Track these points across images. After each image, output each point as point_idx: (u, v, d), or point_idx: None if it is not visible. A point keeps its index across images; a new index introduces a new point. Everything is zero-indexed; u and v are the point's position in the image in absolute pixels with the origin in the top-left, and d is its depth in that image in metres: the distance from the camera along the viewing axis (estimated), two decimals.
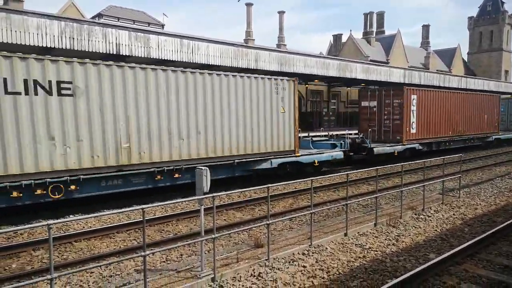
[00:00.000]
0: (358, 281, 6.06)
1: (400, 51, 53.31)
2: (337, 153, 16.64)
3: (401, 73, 32.37)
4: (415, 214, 9.87)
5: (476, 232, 8.52)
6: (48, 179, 9.17)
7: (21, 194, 8.93)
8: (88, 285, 6.11)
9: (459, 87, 36.64)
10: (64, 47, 16.24)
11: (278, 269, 6.46)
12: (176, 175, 11.42)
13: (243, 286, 5.88)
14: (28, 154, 8.94)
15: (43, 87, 9.07)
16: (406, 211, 9.80)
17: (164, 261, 7.08)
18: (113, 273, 6.54)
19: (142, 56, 19.05)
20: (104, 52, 17.61)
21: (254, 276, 6.21)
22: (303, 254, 7.13)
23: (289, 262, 6.74)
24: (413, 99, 20.20)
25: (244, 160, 13.26)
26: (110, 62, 10.49)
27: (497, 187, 13.51)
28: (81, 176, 9.65)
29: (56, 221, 4.76)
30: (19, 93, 8.78)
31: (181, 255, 7.40)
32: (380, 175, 14.69)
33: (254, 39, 35.20)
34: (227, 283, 5.95)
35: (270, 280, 6.05)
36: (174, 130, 11.35)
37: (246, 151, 13.30)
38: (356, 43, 51.09)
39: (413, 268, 6.35)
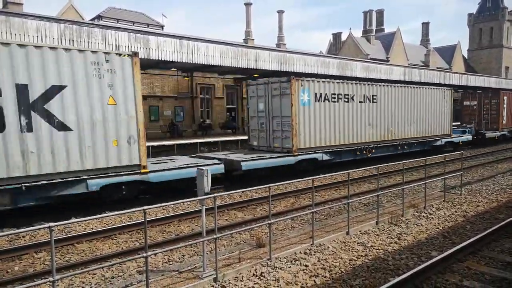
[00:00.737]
0: (360, 279, 6.06)
1: (400, 48, 53.28)
2: (468, 137, 25.06)
3: (401, 71, 32.33)
4: (417, 212, 9.86)
5: (478, 229, 8.51)
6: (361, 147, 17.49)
7: (358, 152, 17.38)
8: (91, 287, 6.12)
9: (460, 84, 36.60)
10: None
11: (280, 268, 6.46)
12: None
13: (245, 286, 5.88)
14: (357, 132, 17.24)
15: (368, 98, 17.63)
16: (407, 209, 9.79)
17: (166, 262, 7.08)
18: (115, 274, 6.55)
19: (142, 57, 19.03)
20: None
21: (256, 275, 6.21)
22: (305, 253, 7.13)
23: (291, 262, 6.74)
24: (505, 99, 29.07)
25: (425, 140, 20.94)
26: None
27: (499, 184, 13.49)
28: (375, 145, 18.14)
29: (57, 223, 4.76)
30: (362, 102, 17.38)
31: (183, 255, 7.41)
32: (381, 173, 14.68)
33: (253, 39, 35.19)
34: (229, 283, 5.95)
35: (272, 280, 6.05)
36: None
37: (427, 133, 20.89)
38: (356, 42, 51.07)
39: (415, 266, 6.35)
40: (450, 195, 11.51)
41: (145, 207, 5.28)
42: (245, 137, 18.64)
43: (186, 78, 28.76)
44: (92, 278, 6.42)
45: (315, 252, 7.18)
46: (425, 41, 62.70)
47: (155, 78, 27.34)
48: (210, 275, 6.00)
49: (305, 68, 25.64)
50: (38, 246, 7.76)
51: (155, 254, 6.96)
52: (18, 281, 6.33)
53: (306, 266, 6.57)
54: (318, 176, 8.48)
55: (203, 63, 21.08)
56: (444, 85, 33.29)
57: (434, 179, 12.78)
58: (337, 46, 54.41)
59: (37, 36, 15.39)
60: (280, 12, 40.03)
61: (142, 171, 10.78)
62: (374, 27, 55.40)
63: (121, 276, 6.48)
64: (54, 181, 9.36)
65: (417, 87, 20.63)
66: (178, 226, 9.31)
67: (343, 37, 54.06)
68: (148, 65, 23.30)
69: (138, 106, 10.60)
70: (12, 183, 8.82)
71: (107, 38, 17.30)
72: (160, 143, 21.16)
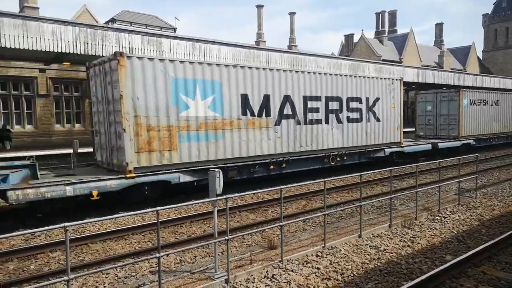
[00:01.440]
0: (373, 283, 6.01)
1: (413, 50, 52.70)
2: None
3: (414, 72, 32.00)
4: (431, 215, 9.73)
5: (494, 233, 8.35)
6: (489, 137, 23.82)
7: (488, 140, 24.03)
8: (104, 286, 6.19)
9: (475, 85, 36.03)
10: (78, 52, 16.53)
11: (292, 270, 6.44)
12: None
13: (257, 287, 5.88)
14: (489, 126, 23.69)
15: (494, 102, 24.53)
16: (421, 212, 9.67)
17: (178, 263, 7.13)
18: (129, 274, 6.61)
19: None
20: None
21: (268, 277, 6.20)
22: (317, 255, 7.10)
23: (303, 264, 6.71)
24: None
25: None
26: None
27: None
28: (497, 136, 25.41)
29: (72, 223, 4.84)
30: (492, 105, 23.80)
31: (195, 256, 7.44)
32: (394, 176, 14.53)
33: (265, 41, 35.25)
34: (240, 284, 5.96)
35: (284, 282, 6.03)
36: None
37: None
38: (368, 43, 50.70)
39: (429, 270, 6.26)
40: (465, 199, 11.33)
41: (157, 208, 5.33)
42: None
43: None
44: (106, 277, 6.49)
45: (327, 254, 7.14)
46: (438, 42, 61.88)
47: None
48: (222, 276, 6.01)
49: (317, 70, 25.57)
50: (53, 246, 7.89)
51: (167, 255, 7.01)
52: (34, 280, 6.44)
53: (318, 268, 6.54)
54: (330, 179, 8.43)
55: None
56: (462, 86, 32.85)
57: (449, 182, 12.59)
58: (349, 48, 54.08)
59: (53, 40, 15.67)
60: (292, 14, 40.02)
61: (402, 145, 18.84)
62: (386, 28, 54.90)
63: (134, 276, 6.55)
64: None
65: None
66: (190, 227, 9.36)
67: (355, 39, 53.73)
68: None
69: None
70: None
71: (120, 41, 17.53)
72: None
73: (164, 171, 11.03)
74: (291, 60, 24.30)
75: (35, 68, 21.65)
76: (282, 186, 6.97)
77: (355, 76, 16.52)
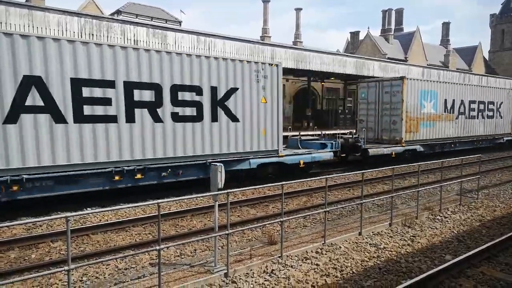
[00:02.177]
0: (372, 281, 6.02)
1: (419, 49, 52.41)
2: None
3: (419, 71, 31.85)
4: (432, 215, 9.72)
5: (495, 234, 8.34)
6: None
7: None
8: (104, 277, 6.23)
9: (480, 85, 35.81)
10: None
11: (291, 266, 6.46)
12: None
13: (256, 282, 5.90)
14: None
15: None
16: (422, 212, 9.66)
17: (178, 256, 7.16)
18: (129, 266, 6.65)
19: None
20: None
21: (267, 272, 6.23)
22: (317, 252, 7.11)
23: (302, 260, 6.73)
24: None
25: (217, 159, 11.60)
26: None
27: None
28: None
29: (74, 213, 4.86)
30: None
31: (195, 250, 7.48)
32: (396, 175, 14.51)
33: (270, 36, 35.13)
34: (240, 279, 5.98)
35: (283, 277, 6.05)
36: None
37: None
38: (374, 41, 50.44)
39: (428, 270, 6.27)
40: (466, 199, 11.31)
41: (159, 201, 5.34)
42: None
43: None
44: (106, 268, 6.54)
45: (326, 251, 7.16)
46: (445, 41, 61.48)
47: None
48: (221, 270, 6.04)
49: (322, 67, 25.51)
50: (55, 236, 7.94)
51: (167, 248, 7.04)
52: (35, 269, 6.49)
53: (317, 265, 6.55)
54: (331, 176, 8.43)
55: None
56: None
57: (450, 182, 12.56)
58: (354, 45, 53.84)
59: (58, 30, 15.68)
60: (298, 10, 39.84)
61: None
62: (393, 27, 54.59)
63: (134, 267, 6.59)
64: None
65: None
66: (190, 221, 9.40)
67: (361, 36, 53.46)
68: None
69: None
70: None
71: (125, 33, 17.52)
72: None
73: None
74: (296, 56, 24.22)
75: None
76: (283, 182, 6.98)
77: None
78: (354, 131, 21.31)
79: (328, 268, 6.47)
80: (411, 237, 8.11)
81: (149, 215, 9.34)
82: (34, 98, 8.83)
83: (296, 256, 6.89)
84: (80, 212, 5.04)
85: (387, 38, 52.47)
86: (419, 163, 10.18)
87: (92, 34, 16.56)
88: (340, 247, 7.40)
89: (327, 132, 22.10)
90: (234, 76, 12.16)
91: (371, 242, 7.76)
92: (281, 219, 6.80)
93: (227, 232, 6.03)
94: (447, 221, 9.35)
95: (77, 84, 9.36)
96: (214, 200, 6.19)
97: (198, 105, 11.51)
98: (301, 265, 6.52)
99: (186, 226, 9.02)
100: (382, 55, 46.62)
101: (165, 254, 7.14)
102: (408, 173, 15.86)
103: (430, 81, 20.01)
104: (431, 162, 12.66)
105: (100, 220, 9.19)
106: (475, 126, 22.41)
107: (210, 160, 11.53)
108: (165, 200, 5.78)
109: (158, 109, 10.68)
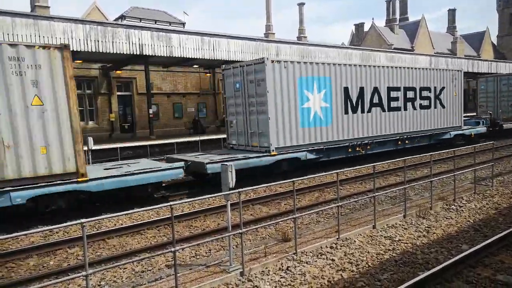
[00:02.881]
0: (388, 274, 5.98)
1: (425, 37, 51.79)
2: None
3: (427, 60, 31.50)
4: (446, 205, 9.62)
5: (511, 221, 8.23)
6: None
7: None
8: (122, 281, 6.30)
9: (489, 72, 35.29)
10: (89, 50, 16.69)
11: (306, 262, 6.45)
12: None
13: (272, 280, 5.91)
14: None
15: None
16: (436, 202, 9.56)
17: (193, 256, 7.21)
18: (145, 268, 6.72)
19: (165, 55, 19.33)
20: (128, 53, 17.97)
21: (283, 270, 6.23)
22: (331, 247, 7.09)
23: (317, 256, 6.72)
24: None
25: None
26: None
27: None
28: None
29: (89, 219, 4.92)
30: None
31: (210, 250, 7.51)
32: (408, 166, 14.38)
33: (274, 33, 35.00)
34: (256, 277, 6.00)
35: (299, 274, 6.05)
36: None
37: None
38: (379, 31, 49.98)
39: (445, 260, 6.21)
40: (480, 187, 11.16)
41: (171, 203, 5.38)
42: None
43: (207, 74, 28.96)
44: (123, 272, 6.61)
45: (341, 246, 7.13)
46: (451, 28, 60.62)
47: (178, 76, 27.66)
48: (237, 269, 6.06)
49: (327, 61, 25.33)
50: (71, 242, 8.05)
51: (182, 249, 7.09)
52: (54, 275, 6.59)
53: (332, 260, 6.54)
54: (342, 170, 8.39)
55: (225, 58, 21.20)
56: (476, 73, 32.12)
57: (464, 171, 12.41)
58: (359, 37, 53.42)
59: (64, 38, 15.84)
60: (301, 5, 39.60)
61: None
62: (397, 16, 53.99)
63: (150, 270, 6.65)
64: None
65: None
66: (204, 221, 9.44)
67: (366, 28, 52.99)
68: (170, 63, 23.62)
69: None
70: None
71: (130, 38, 17.63)
72: (183, 139, 21.44)
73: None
74: (301, 51, 24.13)
75: None
76: (294, 179, 6.96)
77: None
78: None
79: (344, 263, 6.45)
80: (426, 228, 8.04)
81: (163, 217, 9.41)
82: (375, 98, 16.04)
83: (311, 252, 6.88)
84: (94, 218, 5.09)
85: (392, 28, 51.93)
86: (431, 153, 10.07)
87: (98, 40, 16.70)
88: (354, 241, 7.37)
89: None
90: (442, 80, 19.02)
91: (386, 235, 7.71)
92: (294, 216, 6.80)
93: (240, 231, 6.05)
94: (462, 210, 9.24)
95: (388, 90, 16.57)
96: (226, 200, 6.21)
97: (429, 99, 18.45)
98: (316, 261, 6.51)
99: (200, 226, 9.07)
100: (388, 45, 46.17)
101: (180, 255, 7.19)
102: (420, 163, 15.71)
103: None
104: (443, 151, 12.51)
105: (115, 225, 9.29)
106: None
107: (431, 133, 18.88)
108: (177, 202, 5.82)
109: (414, 102, 17.70)
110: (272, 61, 13.11)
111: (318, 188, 12.34)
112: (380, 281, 5.76)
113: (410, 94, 17.65)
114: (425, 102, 18.47)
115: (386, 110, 16.77)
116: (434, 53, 45.80)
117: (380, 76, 16.33)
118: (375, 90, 16.22)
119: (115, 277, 6.43)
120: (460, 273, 5.83)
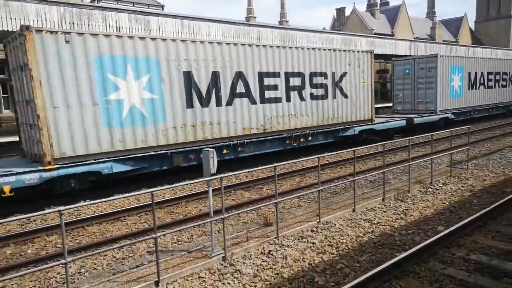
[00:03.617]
0: (367, 255, 6.13)
1: (405, 22, 52.22)
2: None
3: (406, 45, 31.81)
4: (423, 188, 9.87)
5: (485, 203, 8.51)
6: None
7: None
8: (102, 268, 6.25)
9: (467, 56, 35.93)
10: None
11: (288, 246, 6.54)
12: None
13: (253, 263, 5.97)
14: None
15: None
16: (414, 185, 9.80)
17: (175, 242, 7.20)
18: (126, 255, 6.67)
19: None
20: None
21: (264, 254, 6.30)
22: (312, 231, 7.20)
23: (298, 239, 6.82)
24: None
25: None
26: None
27: (506, 157, 13.42)
28: None
29: (67, 207, 4.83)
30: None
31: (192, 235, 7.52)
32: (387, 150, 14.64)
33: (255, 17, 34.63)
34: (237, 261, 6.05)
35: (280, 257, 6.13)
36: None
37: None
38: (360, 16, 50.07)
39: (422, 241, 6.40)
40: (456, 170, 11.48)
41: (152, 189, 5.32)
42: None
43: None
44: (104, 259, 6.55)
45: (322, 229, 7.25)
46: (431, 14, 61.28)
47: None
48: (219, 254, 6.10)
49: (309, 45, 25.29)
50: (50, 230, 7.91)
51: (164, 235, 7.05)
52: (32, 264, 6.48)
53: (313, 243, 6.64)
54: (323, 155, 8.47)
55: None
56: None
57: (441, 155, 12.72)
58: (340, 22, 53.39)
59: (37, 20, 15.24)
60: None
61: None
62: (378, 1, 54.14)
63: (131, 256, 6.61)
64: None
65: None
66: (185, 207, 9.42)
67: (347, 12, 52.99)
68: None
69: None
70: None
71: (107, 20, 17.11)
72: None
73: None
74: (282, 36, 23.97)
75: None
76: (276, 164, 6.99)
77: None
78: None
79: (324, 245, 6.56)
80: (404, 211, 8.24)
81: (144, 203, 9.33)
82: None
83: (292, 236, 6.97)
84: (73, 205, 4.99)
85: (373, 13, 52.11)
86: (410, 137, 10.26)
87: (73, 23, 16.15)
88: (335, 224, 7.49)
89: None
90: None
91: (365, 217, 7.87)
92: (276, 200, 6.85)
93: (222, 216, 6.06)
94: (438, 193, 9.50)
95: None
96: (208, 186, 6.19)
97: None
98: (297, 245, 6.60)
99: (182, 212, 9.04)
100: (369, 30, 46.37)
101: (162, 241, 7.17)
102: (399, 147, 16.01)
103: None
104: (422, 135, 12.76)
105: (95, 212, 9.16)
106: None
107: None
108: (158, 188, 5.76)
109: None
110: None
111: (299, 173, 12.44)
112: (359, 262, 5.90)
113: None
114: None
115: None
116: (414, 38, 46.30)
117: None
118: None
119: (95, 264, 6.37)
120: (436, 253, 6.03)
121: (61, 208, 4.59)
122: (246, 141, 12.83)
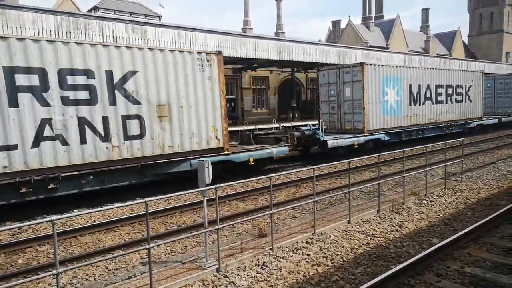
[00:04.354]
0: (362, 267, 6.10)
1: (400, 35, 52.89)
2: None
3: (401, 58, 32.15)
4: (418, 200, 9.88)
5: (479, 215, 8.53)
6: None
7: None
8: (94, 279, 6.16)
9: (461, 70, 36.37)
10: None
11: (283, 257, 6.49)
12: None
13: (248, 275, 5.92)
14: None
15: None
16: (408, 197, 9.81)
17: (169, 253, 7.12)
18: (119, 266, 6.59)
19: None
20: None
21: (259, 265, 6.25)
22: (307, 242, 7.16)
23: (293, 251, 6.77)
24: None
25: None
26: None
27: (499, 170, 13.51)
28: None
29: (59, 216, 4.78)
30: None
31: (186, 246, 7.45)
32: (382, 162, 14.69)
33: (252, 28, 34.92)
34: (232, 273, 5.99)
35: (275, 269, 6.08)
36: None
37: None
38: (355, 29, 50.66)
39: (416, 254, 6.38)
40: (451, 182, 11.53)
41: (146, 199, 5.28)
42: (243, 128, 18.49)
43: None
44: (96, 270, 6.46)
45: (316, 241, 7.22)
46: (425, 27, 62.17)
47: None
48: (213, 265, 6.03)
49: (304, 57, 25.50)
50: (41, 240, 7.80)
51: (157, 246, 6.99)
52: (22, 274, 6.37)
53: (308, 255, 6.60)
54: (318, 166, 8.47)
55: None
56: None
57: (435, 167, 12.78)
58: (336, 34, 53.98)
59: (34, 29, 15.26)
60: (278, 0, 39.64)
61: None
62: (373, 14, 54.89)
63: (124, 267, 6.52)
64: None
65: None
66: (180, 218, 9.34)
67: (342, 25, 53.63)
68: None
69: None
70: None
71: (104, 30, 17.17)
72: None
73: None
74: (278, 47, 24.14)
75: None
76: (271, 175, 6.98)
77: None
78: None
79: (319, 257, 6.52)
80: (399, 223, 8.24)
81: (138, 213, 9.25)
82: None
83: (287, 247, 6.92)
84: (65, 215, 4.94)
85: (368, 26, 52.75)
86: (404, 149, 10.31)
87: (69, 32, 16.17)
88: (330, 236, 7.46)
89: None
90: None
91: (360, 229, 7.85)
92: (271, 211, 6.82)
93: (217, 227, 6.02)
94: (433, 205, 9.52)
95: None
96: (203, 196, 6.15)
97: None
98: (292, 256, 6.56)
99: (176, 223, 8.97)
100: (364, 43, 46.89)
101: (156, 252, 7.09)
102: (393, 159, 16.07)
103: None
104: (417, 147, 12.82)
105: (88, 222, 9.06)
106: None
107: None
108: (153, 198, 5.72)
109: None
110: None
111: (294, 184, 12.42)
112: (354, 274, 5.87)
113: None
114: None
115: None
116: (408, 51, 46.83)
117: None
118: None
119: (87, 275, 6.28)
120: (431, 266, 6.01)
121: (54, 217, 4.53)
122: (428, 127, 20.98)
